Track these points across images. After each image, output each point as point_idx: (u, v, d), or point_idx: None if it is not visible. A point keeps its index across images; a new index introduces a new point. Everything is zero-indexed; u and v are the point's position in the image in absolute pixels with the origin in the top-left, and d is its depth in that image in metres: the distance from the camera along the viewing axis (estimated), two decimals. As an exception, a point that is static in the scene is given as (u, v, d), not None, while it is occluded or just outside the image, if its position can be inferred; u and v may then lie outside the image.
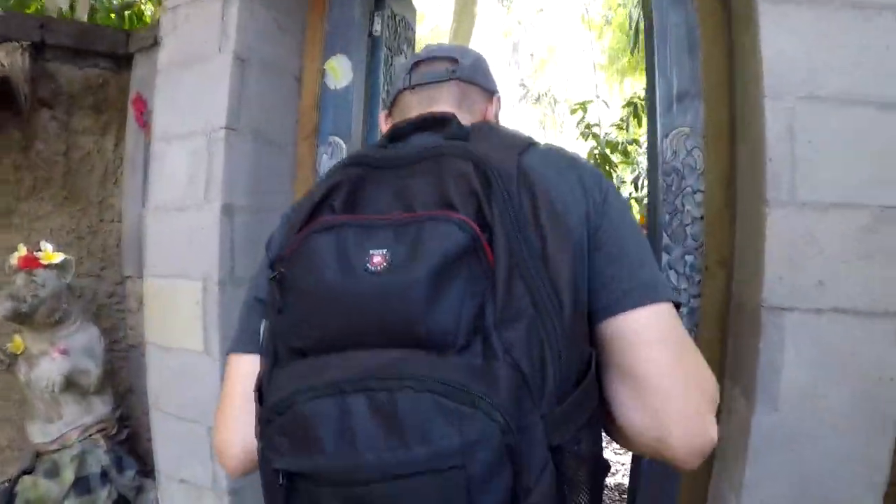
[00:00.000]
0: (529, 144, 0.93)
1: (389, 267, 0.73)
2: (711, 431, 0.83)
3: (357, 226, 0.77)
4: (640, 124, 10.87)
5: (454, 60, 1.14)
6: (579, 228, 0.85)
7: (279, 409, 0.72)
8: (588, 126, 10.40)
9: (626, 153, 9.66)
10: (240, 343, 0.98)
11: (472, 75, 1.15)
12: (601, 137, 9.57)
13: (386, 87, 2.78)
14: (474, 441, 0.66)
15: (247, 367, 0.93)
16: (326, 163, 2.72)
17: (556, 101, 21.65)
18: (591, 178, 0.92)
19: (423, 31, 17.00)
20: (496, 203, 0.76)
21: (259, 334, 0.89)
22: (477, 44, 11.70)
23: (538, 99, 20.53)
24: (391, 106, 1.17)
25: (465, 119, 1.03)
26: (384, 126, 1.15)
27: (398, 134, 0.96)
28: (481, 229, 0.74)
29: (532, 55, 22.14)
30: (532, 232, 0.77)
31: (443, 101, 1.10)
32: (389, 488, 0.67)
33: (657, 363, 0.82)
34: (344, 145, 2.72)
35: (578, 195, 0.88)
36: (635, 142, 10.08)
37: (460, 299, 0.71)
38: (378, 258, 0.73)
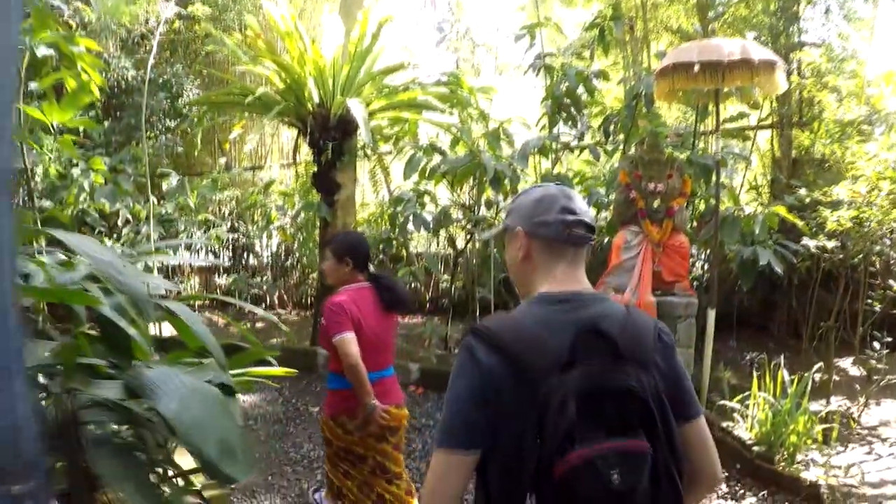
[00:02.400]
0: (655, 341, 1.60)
1: (621, 483, 1.34)
2: None
3: (605, 455, 1.36)
4: (605, 52, 8.55)
5: (592, 230, 1.68)
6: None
7: None
8: (540, 56, 8.03)
9: (590, 90, 7.34)
10: (461, 446, 1.48)
11: None
12: (564, 69, 7.20)
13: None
14: None
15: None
16: None
17: (476, 45, 19.68)
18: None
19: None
20: (655, 427, 1.42)
21: (472, 439, 1.48)
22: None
23: (458, 38, 18.36)
24: (547, 242, 1.64)
25: (580, 273, 1.68)
26: (523, 241, 1.67)
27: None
28: (648, 440, 1.41)
29: (450, -6, 19.82)
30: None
31: (581, 263, 1.69)
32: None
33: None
34: None
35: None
36: (603, 75, 7.78)
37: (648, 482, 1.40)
38: (616, 478, 1.34)
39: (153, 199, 10.25)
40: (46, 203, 9.98)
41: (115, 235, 9.96)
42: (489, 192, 7.41)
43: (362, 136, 5.56)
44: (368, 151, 8.53)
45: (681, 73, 5.38)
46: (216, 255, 11.98)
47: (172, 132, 11.78)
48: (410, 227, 7.44)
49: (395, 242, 8.33)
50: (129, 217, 10.09)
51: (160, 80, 11.51)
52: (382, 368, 3.52)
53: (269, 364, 2.83)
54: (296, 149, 8.27)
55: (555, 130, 7.35)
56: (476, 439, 1.48)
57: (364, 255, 3.56)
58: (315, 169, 7.15)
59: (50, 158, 8.63)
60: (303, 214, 8.46)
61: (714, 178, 5.98)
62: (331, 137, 6.69)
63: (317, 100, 6.70)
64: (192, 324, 1.66)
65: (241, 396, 6.58)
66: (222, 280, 11.78)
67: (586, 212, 1.68)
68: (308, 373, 7.14)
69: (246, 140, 6.00)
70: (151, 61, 8.65)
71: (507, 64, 18.22)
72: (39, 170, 8.89)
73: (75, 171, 9.10)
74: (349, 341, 3.24)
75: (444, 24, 20.43)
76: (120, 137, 11.26)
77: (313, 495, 4.24)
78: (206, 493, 4.29)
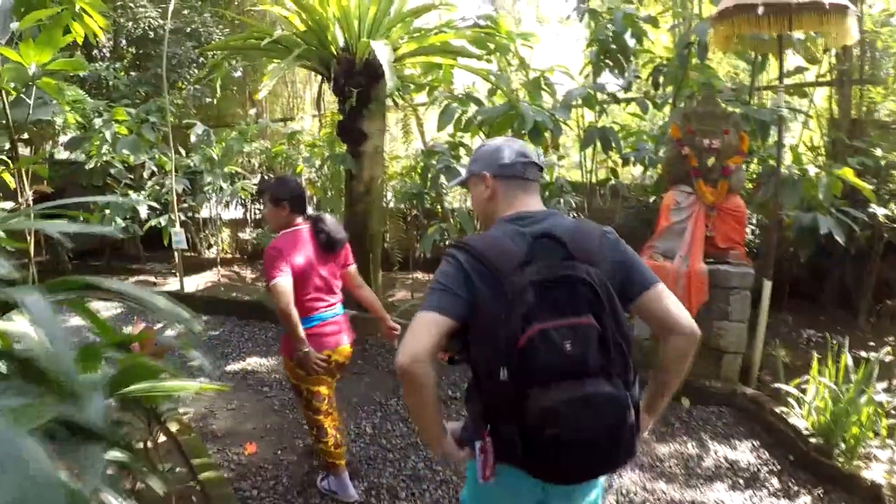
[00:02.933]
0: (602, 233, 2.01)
1: (573, 350, 1.70)
2: None
3: (558, 329, 1.71)
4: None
5: (541, 169, 2.15)
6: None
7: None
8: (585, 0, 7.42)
9: (639, 35, 6.72)
10: (441, 310, 1.83)
11: None
12: (611, 11, 6.57)
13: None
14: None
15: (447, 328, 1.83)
16: None
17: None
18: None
19: None
20: (602, 309, 1.76)
21: (452, 308, 1.84)
22: None
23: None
24: (508, 180, 2.09)
25: (535, 200, 2.12)
26: (490, 184, 2.10)
27: (539, 232, 1.94)
28: (597, 320, 1.76)
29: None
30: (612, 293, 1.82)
31: (536, 194, 2.12)
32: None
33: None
34: None
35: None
36: (652, 21, 7.13)
37: (597, 351, 1.75)
38: (569, 347, 1.70)
39: (180, 151, 10.05)
40: (69, 155, 9.82)
41: (141, 188, 9.68)
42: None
43: (387, 80, 5.07)
44: (398, 100, 8.00)
45: (743, 15, 4.83)
46: (245, 209, 11.74)
47: (201, 82, 11.44)
48: (444, 181, 6.96)
49: (427, 197, 7.86)
50: (155, 169, 9.81)
51: (188, 30, 11.15)
52: (331, 309, 3.64)
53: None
54: (319, 96, 7.79)
55: (600, 80, 6.77)
56: (451, 309, 1.83)
57: (300, 197, 3.60)
58: (340, 118, 6.67)
59: (70, 108, 8.31)
60: (327, 167, 8.00)
61: (774, 135, 5.44)
62: (356, 83, 6.19)
63: (341, 43, 6.18)
64: (38, 320, 1.09)
65: (259, 360, 6.27)
66: (247, 235, 11.47)
67: (535, 154, 2.15)
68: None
69: (259, 89, 5.50)
70: (171, 7, 8.25)
71: (548, 17, 17.56)
72: (59, 120, 8.60)
73: (97, 122, 8.82)
74: (282, 287, 3.32)
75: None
76: (146, 88, 10.97)
77: (320, 483, 3.98)
78: (202, 476, 4.00)
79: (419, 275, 9.74)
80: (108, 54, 12.12)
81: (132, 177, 9.81)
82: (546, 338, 1.69)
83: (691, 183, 5.39)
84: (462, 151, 7.27)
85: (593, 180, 8.44)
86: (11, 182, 8.34)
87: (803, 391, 4.65)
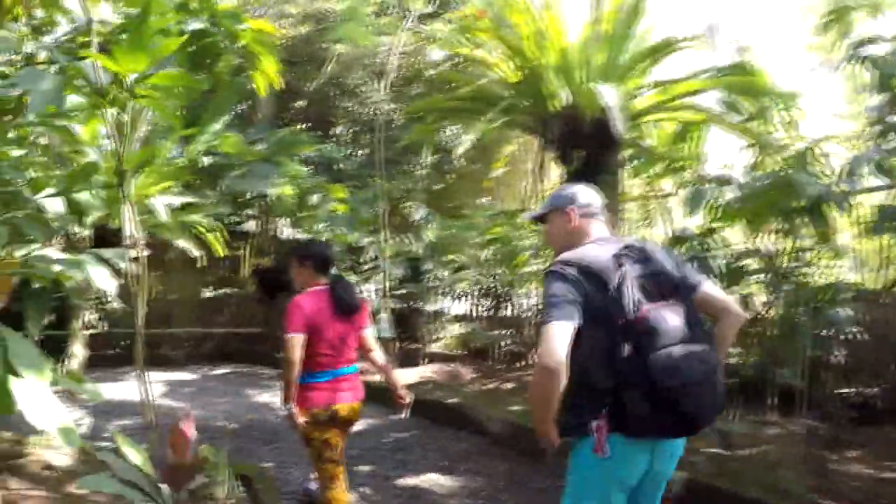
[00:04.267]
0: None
1: (674, 323, 2.24)
2: None
3: (660, 309, 2.25)
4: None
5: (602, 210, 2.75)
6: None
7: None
8: (861, 42, 5.80)
9: None
10: (569, 317, 2.25)
11: None
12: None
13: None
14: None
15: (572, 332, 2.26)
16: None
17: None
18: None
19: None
20: (679, 295, 2.36)
21: (575, 314, 2.25)
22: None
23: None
24: (587, 216, 2.58)
25: (606, 229, 2.64)
26: (575, 217, 2.58)
27: (629, 249, 2.41)
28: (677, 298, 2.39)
29: None
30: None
31: (604, 225, 2.64)
32: None
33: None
34: None
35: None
36: None
37: (685, 324, 2.29)
38: (671, 320, 2.23)
39: (398, 237, 9.77)
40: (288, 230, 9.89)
41: (360, 270, 9.40)
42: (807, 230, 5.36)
43: (614, 124, 3.92)
44: (629, 174, 6.75)
45: None
46: (477, 302, 11.11)
47: (435, 168, 11.24)
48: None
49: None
50: (376, 254, 9.49)
51: (420, 115, 11.08)
52: (344, 366, 3.74)
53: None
54: (541, 165, 6.74)
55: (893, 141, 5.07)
56: (575, 315, 2.26)
57: (322, 258, 3.81)
58: (563, 190, 5.59)
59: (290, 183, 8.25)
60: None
61: None
62: (583, 147, 5.08)
63: (564, 98, 5.09)
64: None
65: (438, 478, 5.09)
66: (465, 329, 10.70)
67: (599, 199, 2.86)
68: (530, 460, 5.40)
69: (458, 145, 4.76)
70: (387, 84, 7.98)
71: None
72: (272, 191, 8.52)
73: (314, 198, 8.72)
74: (294, 341, 3.49)
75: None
76: (374, 172, 10.96)
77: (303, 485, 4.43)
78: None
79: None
80: (343, 139, 12.41)
81: (353, 258, 9.58)
82: (656, 315, 2.23)
83: None
84: (715, 240, 5.91)
85: (881, 284, 6.57)
86: (220, 250, 8.40)
87: None
